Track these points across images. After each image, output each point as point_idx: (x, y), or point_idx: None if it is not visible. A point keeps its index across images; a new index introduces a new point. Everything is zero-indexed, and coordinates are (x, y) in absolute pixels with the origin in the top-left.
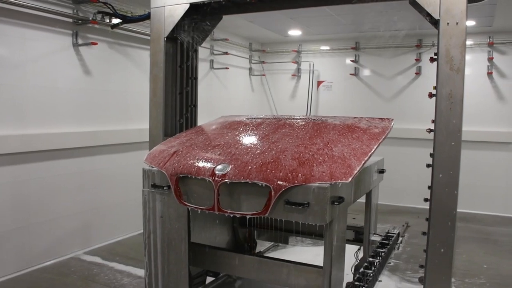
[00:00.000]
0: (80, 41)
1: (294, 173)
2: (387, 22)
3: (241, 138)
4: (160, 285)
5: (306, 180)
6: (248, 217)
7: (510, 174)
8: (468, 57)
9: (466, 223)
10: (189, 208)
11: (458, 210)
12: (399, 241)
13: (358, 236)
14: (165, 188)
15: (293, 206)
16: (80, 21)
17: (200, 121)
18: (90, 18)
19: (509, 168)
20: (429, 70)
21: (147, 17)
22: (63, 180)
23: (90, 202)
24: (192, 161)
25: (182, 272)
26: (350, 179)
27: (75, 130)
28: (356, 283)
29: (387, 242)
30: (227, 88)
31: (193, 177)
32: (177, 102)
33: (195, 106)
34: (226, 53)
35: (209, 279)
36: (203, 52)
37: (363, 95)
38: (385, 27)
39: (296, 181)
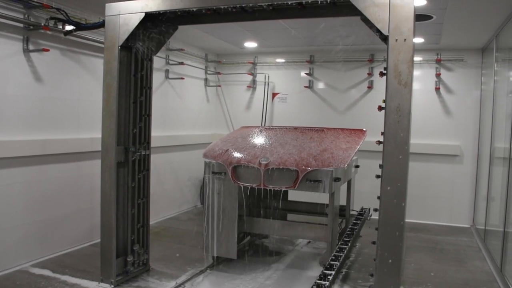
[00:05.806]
0: (31, 47)
1: (312, 162)
2: (340, 37)
3: (271, 141)
4: (215, 240)
5: (319, 166)
6: (282, 189)
7: (455, 186)
8: (416, 72)
9: (416, 232)
10: (242, 187)
11: (409, 220)
12: (370, 214)
13: (341, 212)
14: (222, 174)
15: (312, 182)
16: (31, 27)
17: (155, 131)
18: (42, 24)
19: (455, 180)
20: (381, 84)
21: (101, 25)
22: (9, 190)
23: (38, 213)
24: (242, 156)
25: (232, 232)
26: (345, 165)
27: (23, 138)
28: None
29: (363, 213)
30: (182, 98)
31: (244, 166)
32: (130, 111)
33: (149, 115)
34: (181, 63)
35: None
36: (158, 61)
37: (317, 107)
38: (339, 41)
39: (315, 167)
